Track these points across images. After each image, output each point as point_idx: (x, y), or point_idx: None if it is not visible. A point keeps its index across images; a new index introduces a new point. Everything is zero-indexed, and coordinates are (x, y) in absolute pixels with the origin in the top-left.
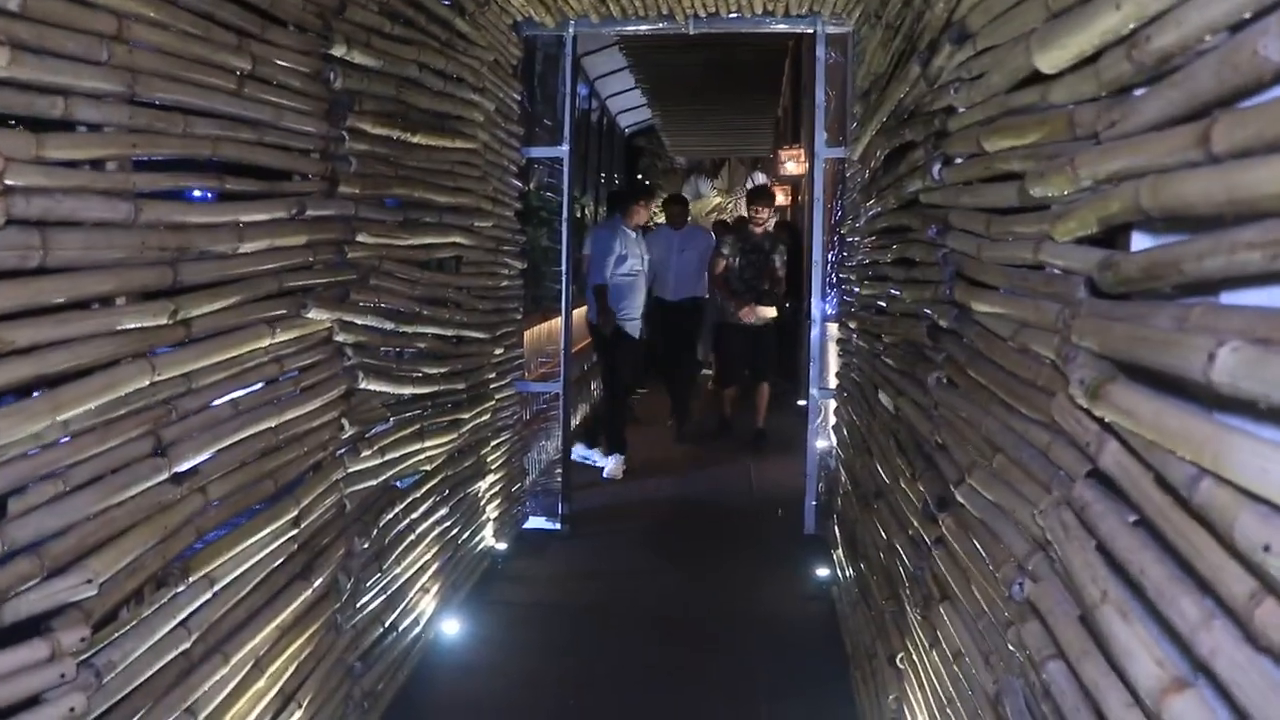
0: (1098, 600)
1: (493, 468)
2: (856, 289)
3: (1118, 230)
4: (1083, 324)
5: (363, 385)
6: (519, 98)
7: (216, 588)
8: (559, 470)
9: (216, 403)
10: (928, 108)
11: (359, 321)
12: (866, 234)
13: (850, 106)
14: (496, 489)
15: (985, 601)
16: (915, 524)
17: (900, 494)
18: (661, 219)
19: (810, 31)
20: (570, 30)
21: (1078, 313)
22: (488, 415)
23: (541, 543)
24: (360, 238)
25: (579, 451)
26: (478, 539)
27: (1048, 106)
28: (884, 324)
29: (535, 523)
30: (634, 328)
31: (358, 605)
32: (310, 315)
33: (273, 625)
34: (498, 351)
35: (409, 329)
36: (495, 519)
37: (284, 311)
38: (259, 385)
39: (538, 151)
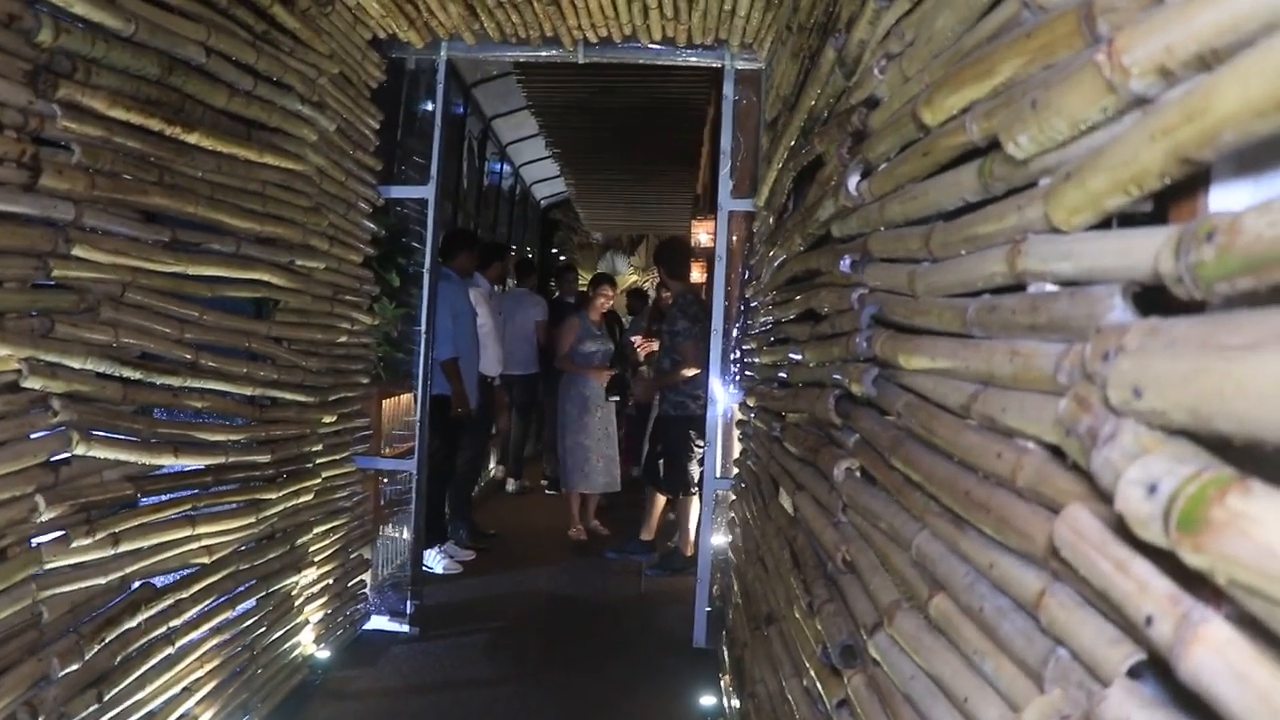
0: None
1: (316, 559)
2: (757, 358)
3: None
4: (1136, 368)
5: (80, 451)
6: (376, 125)
7: None
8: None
9: None
10: (843, 107)
11: (77, 365)
12: (770, 289)
13: (760, 147)
14: (324, 584)
15: None
16: (812, 672)
17: (795, 625)
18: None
19: (719, 65)
20: (442, 52)
21: (1115, 348)
22: (309, 496)
23: (381, 648)
24: (80, 252)
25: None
26: (288, 646)
27: (1038, 17)
28: (785, 399)
29: (378, 623)
30: (473, 398)
31: None
32: None
33: None
34: (327, 420)
35: (174, 382)
36: (319, 621)
37: None
38: None
39: (399, 191)
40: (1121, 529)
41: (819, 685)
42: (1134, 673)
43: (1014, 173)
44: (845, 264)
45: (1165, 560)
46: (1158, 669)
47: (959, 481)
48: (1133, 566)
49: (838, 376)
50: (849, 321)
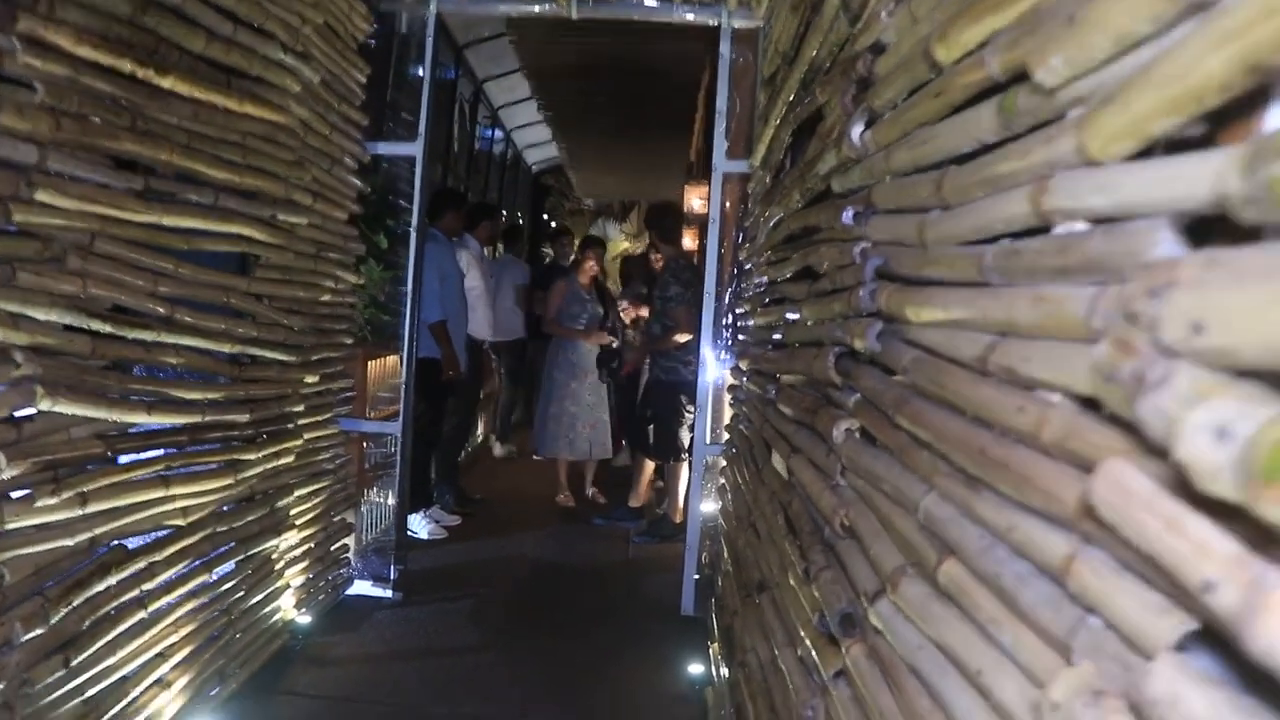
0: None
1: (297, 522)
2: (750, 320)
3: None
4: (1196, 302)
5: (45, 406)
6: (363, 79)
7: None
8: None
9: None
10: (847, 55)
11: (41, 317)
12: (765, 249)
13: (757, 106)
14: (305, 548)
15: None
16: (807, 641)
17: (789, 593)
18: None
19: (715, 24)
20: (432, 6)
21: (1166, 283)
22: (290, 457)
23: (364, 613)
24: (44, 197)
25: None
26: (268, 610)
27: None
28: (780, 360)
29: (361, 588)
30: (461, 361)
31: (22, 717)
32: None
33: None
34: (310, 380)
35: (146, 336)
36: (300, 585)
37: None
38: None
39: (385, 147)
40: (1176, 484)
41: (815, 655)
42: (1179, 649)
43: (1041, 105)
44: (848, 216)
45: (1225, 519)
46: (1210, 641)
47: (973, 439)
48: (1188, 526)
49: (839, 334)
50: (850, 277)
